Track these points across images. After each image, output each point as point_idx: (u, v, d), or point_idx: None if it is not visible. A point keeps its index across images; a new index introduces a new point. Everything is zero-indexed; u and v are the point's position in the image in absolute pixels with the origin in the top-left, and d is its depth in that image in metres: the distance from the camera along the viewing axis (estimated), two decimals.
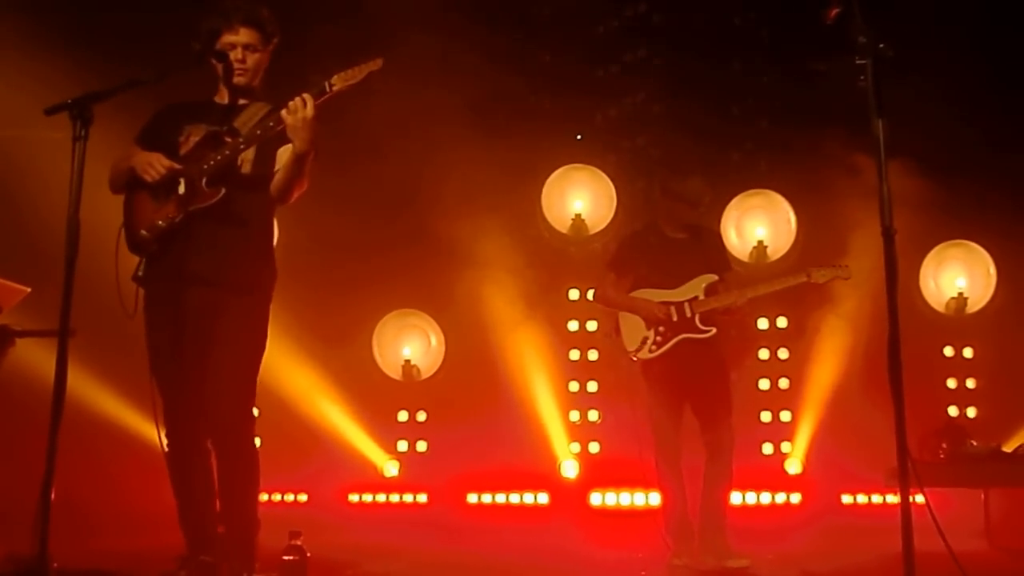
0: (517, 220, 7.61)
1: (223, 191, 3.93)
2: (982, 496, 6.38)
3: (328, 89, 3.90)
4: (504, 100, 7.57)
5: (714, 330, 5.54)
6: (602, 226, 7.77)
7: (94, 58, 6.03)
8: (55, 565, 3.92)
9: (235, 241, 4.02)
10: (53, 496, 3.30)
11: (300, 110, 3.80)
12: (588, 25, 7.48)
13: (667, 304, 5.59)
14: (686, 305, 5.59)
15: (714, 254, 5.80)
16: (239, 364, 4.01)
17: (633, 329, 5.67)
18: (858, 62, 3.53)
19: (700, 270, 5.64)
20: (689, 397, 5.60)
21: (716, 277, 5.63)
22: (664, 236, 5.73)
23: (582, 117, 7.84)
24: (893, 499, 6.72)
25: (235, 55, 4.08)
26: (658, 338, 5.58)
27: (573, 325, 7.77)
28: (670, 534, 5.53)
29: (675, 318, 5.57)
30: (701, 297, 5.60)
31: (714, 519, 5.44)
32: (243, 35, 4.10)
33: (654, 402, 5.61)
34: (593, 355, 7.72)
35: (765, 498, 7.29)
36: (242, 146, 3.95)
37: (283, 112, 3.83)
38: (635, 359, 5.65)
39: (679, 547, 5.46)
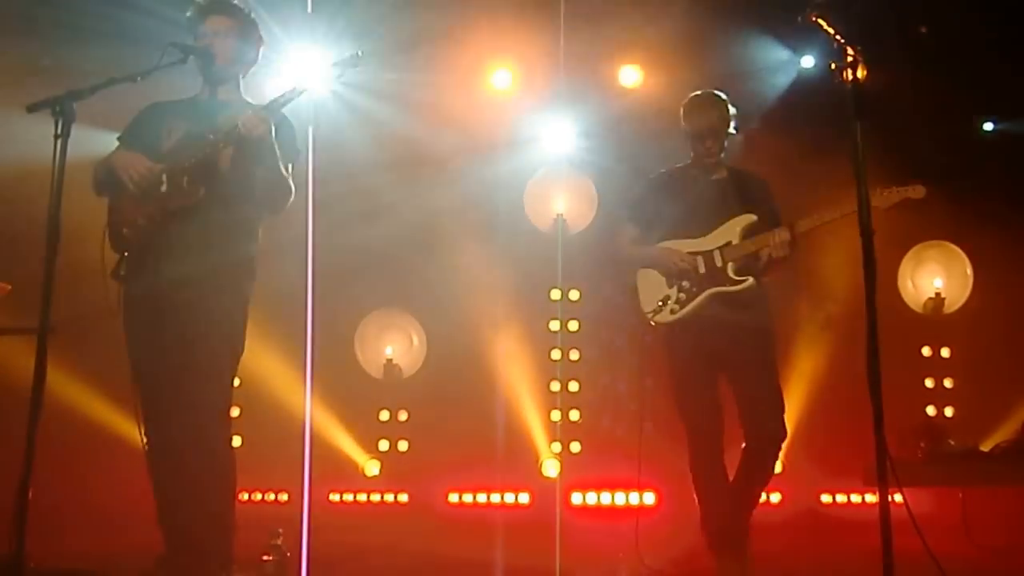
0: (499, 220, 7.62)
1: (203, 190, 3.93)
2: (960, 495, 6.41)
3: (303, 89, 3.95)
4: (486, 101, 7.59)
5: (751, 280, 4.53)
6: (584, 226, 7.79)
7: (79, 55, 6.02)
8: (32, 565, 3.90)
9: (213, 242, 4.01)
10: (30, 495, 3.28)
11: (256, 128, 3.83)
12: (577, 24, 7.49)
13: (694, 255, 4.61)
14: (716, 253, 4.59)
15: (758, 195, 4.75)
16: (214, 365, 3.99)
17: (652, 287, 4.68)
18: (834, 66, 3.57)
19: (737, 212, 4.65)
20: (725, 371, 4.59)
21: (755, 217, 4.61)
22: (695, 178, 4.78)
23: (562, 113, 7.84)
24: (872, 498, 6.77)
25: (206, 42, 4.09)
26: (681, 295, 4.59)
27: (554, 325, 7.78)
28: (711, 548, 4.58)
29: (702, 270, 4.59)
30: (736, 242, 4.59)
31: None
32: (210, 23, 4.12)
33: (681, 381, 4.65)
34: (574, 355, 7.74)
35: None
36: (220, 144, 3.94)
37: (239, 127, 3.85)
38: (653, 323, 4.65)
39: (724, 564, 4.51)
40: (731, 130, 4.76)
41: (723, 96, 4.80)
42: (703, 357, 4.59)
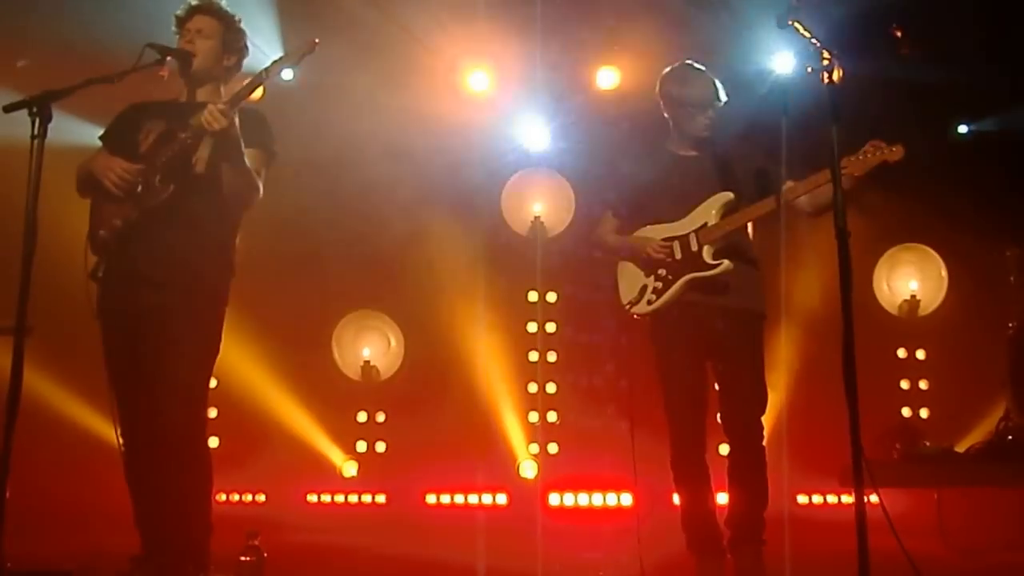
0: (476, 223, 7.64)
1: (172, 187, 3.92)
2: (935, 496, 6.46)
3: (264, 76, 3.92)
4: (463, 104, 7.59)
5: (726, 263, 4.30)
6: (561, 228, 7.81)
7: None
8: (9, 565, 3.89)
9: (187, 243, 4.01)
10: (7, 495, 3.27)
11: (217, 122, 3.80)
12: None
13: (669, 240, 4.42)
14: (692, 236, 4.37)
15: (741, 169, 4.46)
16: (190, 367, 3.99)
17: (631, 279, 4.52)
18: (810, 70, 3.60)
19: (716, 189, 4.39)
20: (711, 358, 4.45)
21: (732, 195, 4.36)
22: (673, 156, 4.55)
23: (539, 115, 7.85)
24: (848, 499, 6.81)
25: (185, 39, 4.10)
26: (658, 284, 4.40)
27: (532, 327, 7.80)
28: (691, 548, 4.48)
29: (678, 255, 4.38)
30: (712, 223, 4.36)
31: (745, 530, 4.42)
32: (194, 22, 4.13)
33: (666, 371, 4.45)
34: (552, 357, 7.76)
35: (722, 498, 7.31)
36: (189, 141, 3.93)
37: (202, 123, 3.82)
38: (635, 316, 4.48)
39: (705, 565, 4.43)
40: (724, 96, 4.53)
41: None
42: (688, 345, 4.41)
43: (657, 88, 4.60)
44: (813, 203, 4.37)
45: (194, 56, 4.08)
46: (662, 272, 4.42)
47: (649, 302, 4.43)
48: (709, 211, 4.38)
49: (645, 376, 4.67)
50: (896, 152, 4.13)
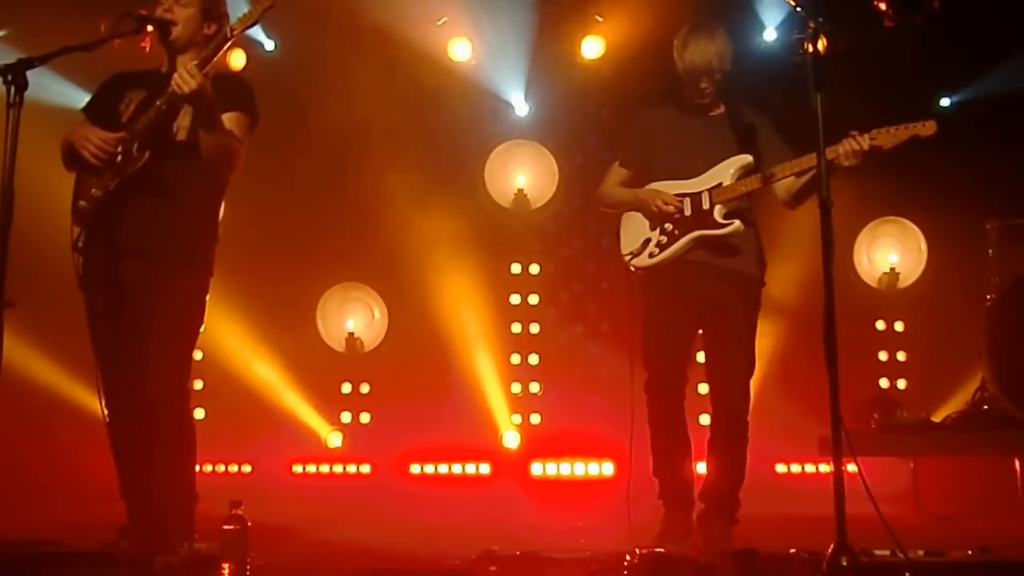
0: (460, 194, 7.63)
1: (147, 154, 3.88)
2: (911, 465, 6.52)
3: (230, 35, 3.89)
4: (446, 74, 7.56)
5: (737, 223, 4.24)
6: (544, 200, 7.81)
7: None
8: None
9: (169, 212, 3.99)
10: None
11: (187, 84, 3.74)
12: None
13: (681, 196, 4.33)
14: (705, 195, 4.29)
15: (757, 132, 4.41)
16: (173, 337, 3.99)
17: (635, 230, 4.42)
18: (796, 37, 3.61)
19: (732, 152, 4.34)
20: (703, 322, 4.38)
21: (751, 158, 4.30)
22: (687, 115, 4.50)
23: (523, 86, 7.82)
24: (826, 468, 6.87)
25: (163, 8, 4.05)
26: (662, 238, 4.32)
27: (515, 298, 7.81)
28: (660, 497, 4.47)
29: (688, 212, 4.30)
30: (727, 183, 4.29)
31: (718, 505, 4.41)
32: None
33: (653, 323, 4.39)
34: (534, 328, 7.78)
35: (702, 467, 7.37)
36: (164, 107, 3.89)
37: (172, 87, 3.77)
38: (633, 268, 4.40)
39: (672, 517, 4.38)
40: (727, 66, 4.42)
41: (721, 29, 4.45)
42: (683, 305, 4.37)
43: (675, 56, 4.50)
44: (790, 191, 4.38)
45: (174, 25, 4.04)
46: (668, 227, 4.34)
47: (651, 255, 4.35)
48: (726, 171, 4.31)
49: (630, 346, 4.65)
50: (928, 127, 4.08)
